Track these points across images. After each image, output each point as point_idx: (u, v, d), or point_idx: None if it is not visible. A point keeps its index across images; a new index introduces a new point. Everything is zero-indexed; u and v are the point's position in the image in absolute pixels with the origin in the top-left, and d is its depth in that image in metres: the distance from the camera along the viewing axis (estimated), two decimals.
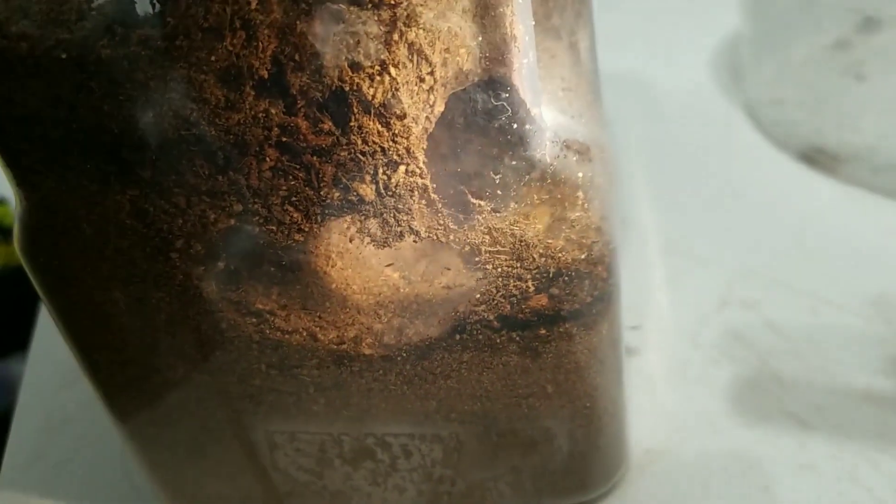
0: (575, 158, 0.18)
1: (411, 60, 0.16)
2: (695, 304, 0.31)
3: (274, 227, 0.17)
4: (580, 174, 0.18)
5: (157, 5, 0.15)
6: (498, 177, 0.17)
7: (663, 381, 0.28)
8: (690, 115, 0.42)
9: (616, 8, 0.53)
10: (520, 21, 0.16)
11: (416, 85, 0.16)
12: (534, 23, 0.17)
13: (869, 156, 0.35)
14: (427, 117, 0.17)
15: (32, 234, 0.19)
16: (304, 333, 0.19)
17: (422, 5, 0.15)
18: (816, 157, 0.37)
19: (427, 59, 0.16)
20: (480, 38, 0.16)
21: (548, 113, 0.18)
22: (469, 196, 0.17)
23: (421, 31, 0.16)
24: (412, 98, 0.17)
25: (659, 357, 0.29)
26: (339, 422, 0.21)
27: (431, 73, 0.17)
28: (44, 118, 0.16)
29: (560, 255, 0.18)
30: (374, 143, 0.16)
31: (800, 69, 0.41)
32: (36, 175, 0.17)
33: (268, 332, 0.19)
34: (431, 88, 0.17)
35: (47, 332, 0.36)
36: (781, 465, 0.24)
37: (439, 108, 0.17)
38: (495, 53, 0.17)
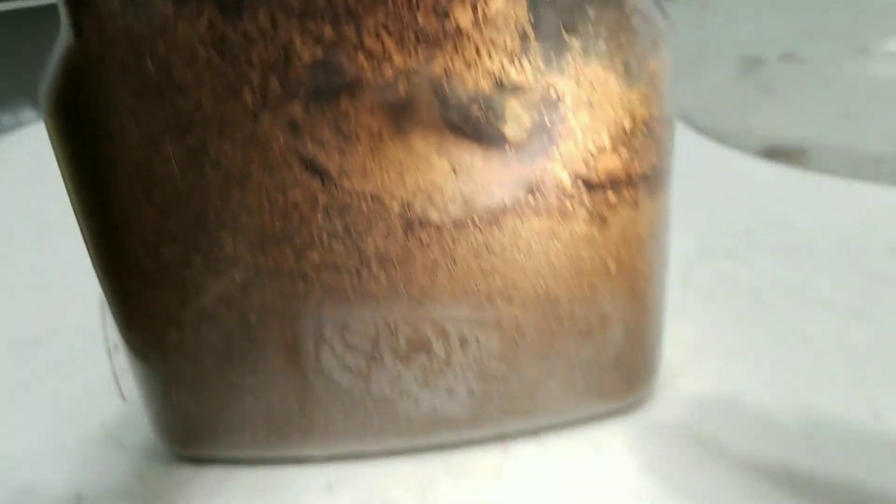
0: (658, 10, 0.18)
1: None
2: (676, 254, 0.32)
3: (364, 59, 0.17)
4: (662, 23, 0.18)
5: None
6: (592, 10, 0.17)
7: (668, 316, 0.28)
8: None
9: None
10: None
11: None
12: None
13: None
14: None
15: (78, 77, 0.17)
16: (377, 196, 0.18)
17: None
18: (748, 146, 0.41)
19: None
20: None
21: None
22: (563, 31, 0.17)
23: None
24: None
25: None
26: (399, 305, 0.19)
27: None
28: None
29: (636, 108, 0.18)
30: None
31: (720, 84, 0.46)
32: None
33: (337, 193, 0.18)
34: None
35: None
36: (796, 373, 0.25)
37: None
38: None
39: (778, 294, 0.29)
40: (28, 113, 0.58)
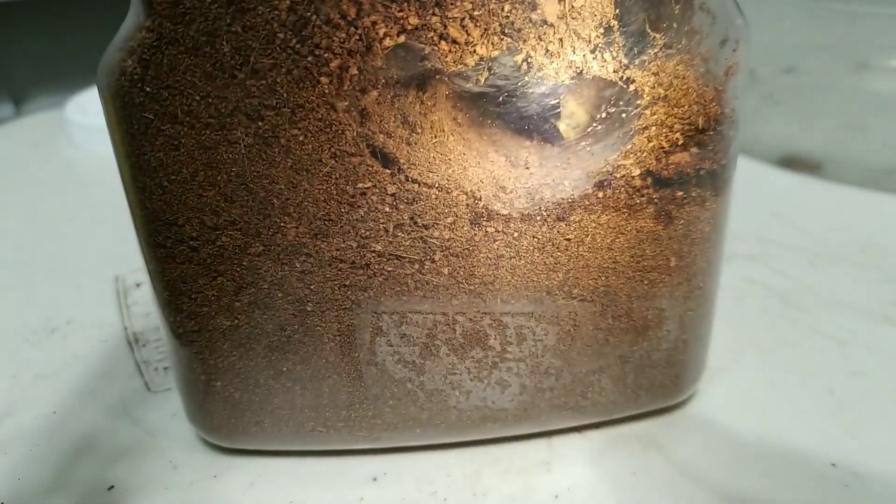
0: (737, 8, 0.18)
1: None
2: None
3: (447, 48, 0.16)
4: (739, 21, 0.18)
5: None
6: (677, 7, 0.17)
7: None
8: None
9: None
10: None
11: None
12: None
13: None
14: None
15: (147, 57, 0.16)
16: (445, 187, 0.18)
17: None
18: (762, 156, 0.41)
19: None
20: None
21: None
22: (647, 26, 0.17)
23: None
24: None
25: None
26: (459, 297, 0.19)
27: None
28: None
29: (710, 106, 0.18)
30: None
31: None
32: None
33: (405, 184, 0.18)
34: None
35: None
36: (833, 372, 0.25)
37: None
38: None
39: (806, 297, 0.29)
40: (5, 108, 0.57)
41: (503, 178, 0.18)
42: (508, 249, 0.19)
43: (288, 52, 0.16)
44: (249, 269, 0.19)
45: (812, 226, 0.35)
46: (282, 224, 0.18)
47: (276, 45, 0.16)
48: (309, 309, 0.19)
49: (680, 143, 0.18)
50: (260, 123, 0.17)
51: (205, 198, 0.18)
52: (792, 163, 0.43)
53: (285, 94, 0.16)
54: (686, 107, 0.18)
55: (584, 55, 0.17)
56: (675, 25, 0.17)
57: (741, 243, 0.34)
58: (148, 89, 0.16)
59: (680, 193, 0.19)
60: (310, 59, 0.16)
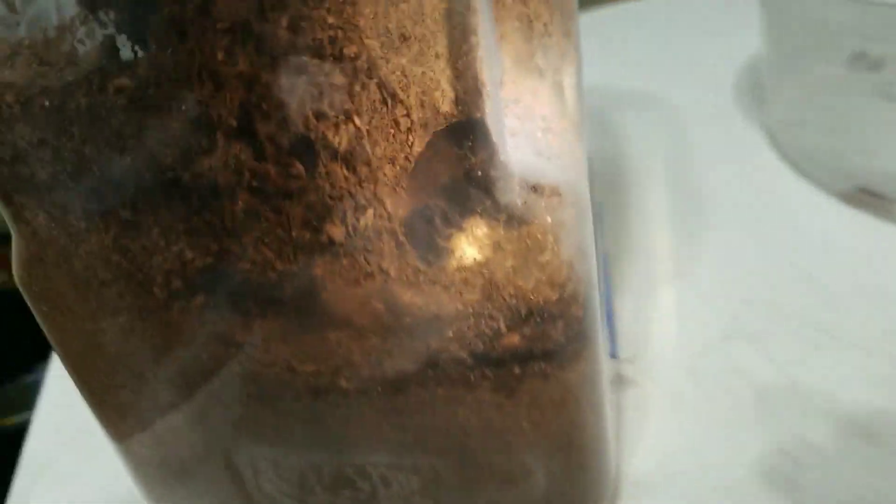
0: (544, 203, 0.18)
1: (384, 104, 0.17)
2: (698, 334, 0.31)
3: (248, 266, 0.18)
4: (549, 218, 0.18)
5: (131, 57, 0.16)
6: (465, 221, 0.17)
7: (657, 414, 0.27)
8: (711, 137, 0.42)
9: (639, 29, 0.53)
10: (487, 66, 0.17)
11: (391, 128, 0.17)
12: (506, 66, 0.17)
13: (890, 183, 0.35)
14: (406, 157, 0.17)
15: (28, 266, 0.20)
16: (283, 366, 0.20)
17: (382, 58, 0.15)
18: (837, 185, 0.36)
19: (402, 103, 0.17)
20: (455, 82, 0.17)
21: (519, 156, 0.18)
22: (438, 239, 0.17)
23: (393, 77, 0.16)
24: (388, 140, 0.17)
25: (654, 389, 0.28)
26: (318, 451, 0.21)
27: (408, 115, 0.17)
28: (31, 159, 0.17)
29: (530, 296, 0.18)
30: (341, 187, 0.17)
31: (821, 90, 0.40)
32: (28, 211, 0.18)
33: (247, 364, 0.20)
34: (409, 129, 0.17)
35: None
36: None
37: (418, 147, 0.17)
38: (467, 97, 0.17)
39: (788, 399, 0.27)
40: None
41: (334, 359, 0.19)
42: (354, 415, 0.20)
43: (122, 270, 0.19)
44: (146, 417, 0.22)
45: (849, 292, 0.31)
46: (156, 389, 0.21)
47: (112, 265, 0.19)
48: (199, 450, 0.22)
49: (504, 329, 0.19)
50: (117, 319, 0.20)
51: (96, 366, 0.21)
52: (871, 196, 0.38)
53: (130, 300, 0.19)
54: (502, 300, 0.18)
55: (379, 265, 0.18)
56: (468, 237, 0.18)
57: (752, 314, 0.31)
58: (36, 289, 0.20)
59: (517, 370, 0.20)
60: (139, 275, 0.19)
